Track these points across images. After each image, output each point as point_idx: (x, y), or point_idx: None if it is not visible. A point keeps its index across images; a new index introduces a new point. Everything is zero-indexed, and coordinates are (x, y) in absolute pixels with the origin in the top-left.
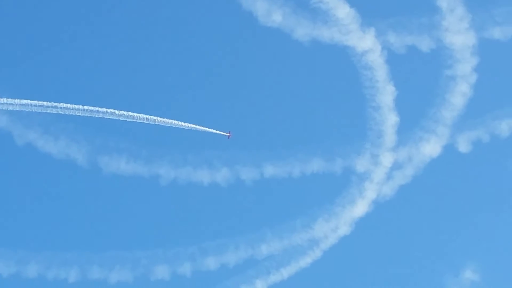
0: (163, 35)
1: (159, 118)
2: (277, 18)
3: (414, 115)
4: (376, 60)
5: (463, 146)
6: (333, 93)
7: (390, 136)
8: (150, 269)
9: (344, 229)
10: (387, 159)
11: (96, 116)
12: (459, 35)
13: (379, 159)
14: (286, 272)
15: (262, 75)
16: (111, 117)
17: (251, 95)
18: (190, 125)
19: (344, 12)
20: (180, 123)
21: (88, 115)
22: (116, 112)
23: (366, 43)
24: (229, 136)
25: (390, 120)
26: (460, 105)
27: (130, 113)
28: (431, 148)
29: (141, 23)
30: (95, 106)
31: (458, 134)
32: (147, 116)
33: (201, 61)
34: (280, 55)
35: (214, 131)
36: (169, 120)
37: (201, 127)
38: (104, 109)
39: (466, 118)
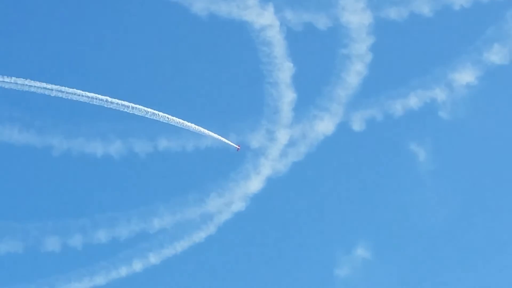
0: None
1: (54, 86)
2: None
3: (310, 93)
4: (275, 36)
5: (357, 124)
6: (230, 68)
7: (286, 112)
8: (41, 240)
9: (239, 205)
10: (282, 136)
11: None
12: (355, 15)
13: (274, 135)
14: (179, 246)
15: (159, 48)
16: (3, 86)
17: (146, 67)
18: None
19: None
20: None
21: None
22: (9, 80)
23: (264, 19)
24: (238, 149)
25: (287, 97)
26: (355, 84)
27: (24, 81)
28: (325, 126)
29: None
30: None
31: (352, 112)
32: (44, 85)
33: (100, 33)
34: (178, 29)
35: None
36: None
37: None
38: None
39: (361, 97)
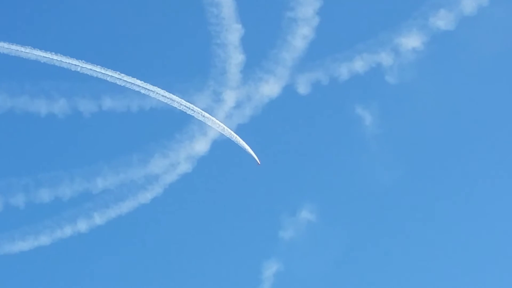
0: None
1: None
2: None
3: (257, 55)
4: None
5: (302, 87)
6: (177, 29)
7: (233, 74)
8: None
9: (185, 166)
10: (229, 97)
11: None
12: None
13: (221, 97)
14: (125, 207)
15: (105, 8)
16: None
17: (91, 26)
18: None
19: None
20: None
21: None
22: None
23: None
24: (258, 164)
25: (235, 58)
26: (301, 47)
27: None
28: (270, 88)
29: None
30: None
31: (297, 75)
32: None
33: None
34: None
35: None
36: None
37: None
38: None
39: (307, 60)
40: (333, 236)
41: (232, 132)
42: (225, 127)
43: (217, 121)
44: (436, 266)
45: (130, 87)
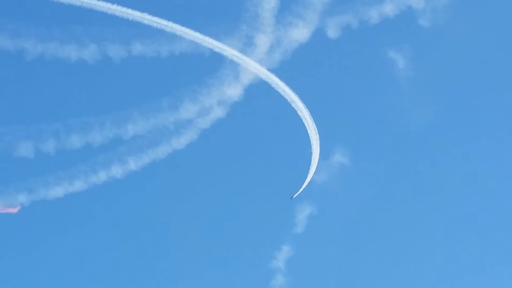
0: None
1: None
2: None
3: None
4: None
5: (332, 31)
6: None
7: (265, 19)
8: (13, 145)
9: (218, 112)
10: (261, 42)
11: None
12: None
13: (253, 41)
14: (159, 152)
15: None
16: None
17: None
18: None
19: None
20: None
21: None
22: None
23: None
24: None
25: (268, 2)
26: None
27: None
28: (299, 32)
29: None
30: None
31: (327, 19)
32: None
33: None
34: None
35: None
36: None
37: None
38: None
39: (336, 4)
40: (366, 179)
41: (269, 74)
42: (262, 69)
43: (254, 63)
44: (470, 205)
45: (162, 28)
